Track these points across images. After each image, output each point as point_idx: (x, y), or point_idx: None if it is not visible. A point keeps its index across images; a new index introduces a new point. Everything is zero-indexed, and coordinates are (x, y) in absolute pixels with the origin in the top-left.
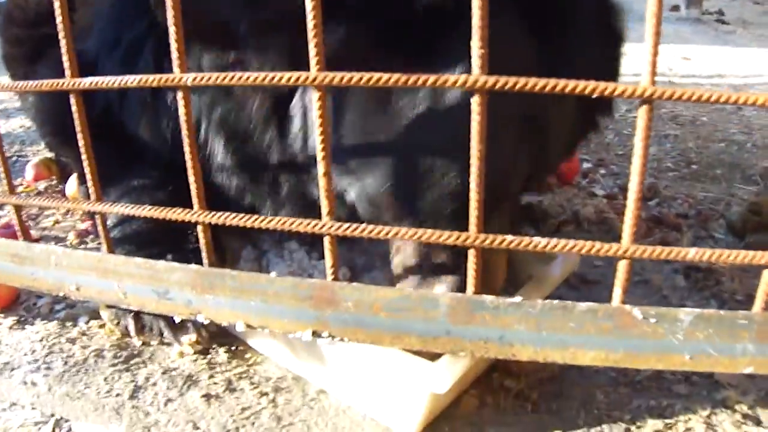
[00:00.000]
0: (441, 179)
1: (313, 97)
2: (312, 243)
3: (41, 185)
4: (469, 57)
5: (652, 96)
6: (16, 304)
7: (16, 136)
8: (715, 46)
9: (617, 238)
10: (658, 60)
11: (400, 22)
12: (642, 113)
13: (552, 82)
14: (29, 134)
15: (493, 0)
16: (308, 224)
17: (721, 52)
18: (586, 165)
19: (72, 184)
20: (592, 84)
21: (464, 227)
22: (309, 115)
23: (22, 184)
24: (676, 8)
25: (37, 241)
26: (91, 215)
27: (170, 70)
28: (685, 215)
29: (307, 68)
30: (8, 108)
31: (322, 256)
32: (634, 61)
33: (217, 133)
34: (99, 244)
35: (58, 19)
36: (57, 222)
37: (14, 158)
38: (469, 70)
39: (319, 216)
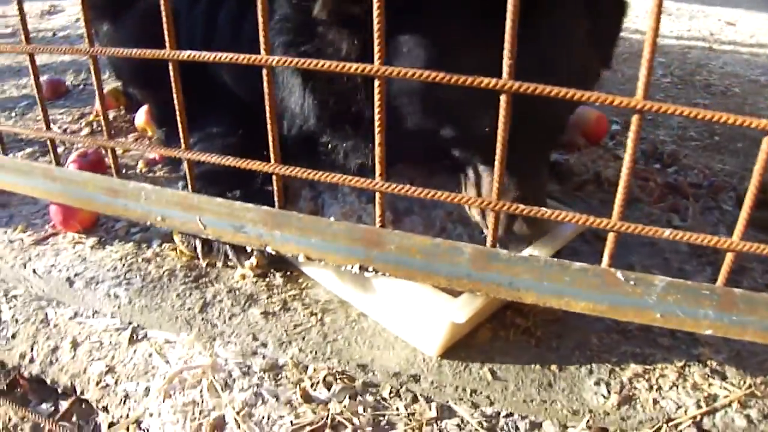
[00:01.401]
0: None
1: (375, 84)
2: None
3: (110, 114)
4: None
5: (643, 108)
6: (96, 225)
7: (82, 63)
8: (763, 13)
9: (632, 201)
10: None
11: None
12: (634, 120)
13: (564, 90)
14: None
15: None
16: (363, 182)
17: (767, 19)
18: (615, 127)
19: (141, 115)
20: (595, 94)
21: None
22: (398, 52)
23: (91, 113)
24: None
25: (108, 167)
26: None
27: (251, 20)
28: (699, 185)
29: None
30: (71, 35)
31: (370, 200)
32: (680, 21)
33: (295, 75)
34: (165, 172)
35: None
36: (127, 150)
37: (81, 86)
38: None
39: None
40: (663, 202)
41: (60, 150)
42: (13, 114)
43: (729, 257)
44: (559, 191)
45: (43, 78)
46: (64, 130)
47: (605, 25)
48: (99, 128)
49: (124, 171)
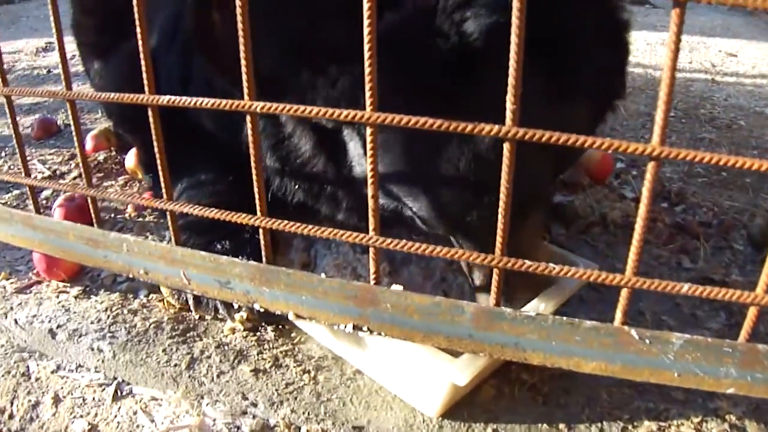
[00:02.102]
0: (486, 200)
1: (366, 133)
2: (361, 221)
3: (100, 156)
4: (486, 105)
5: (660, 155)
6: (81, 274)
7: (75, 104)
8: (764, 42)
9: None
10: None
11: (419, 76)
12: (650, 168)
13: (574, 137)
14: (88, 102)
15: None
16: (356, 236)
17: None
18: (619, 165)
19: (131, 157)
20: (608, 141)
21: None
22: (363, 141)
23: None
24: None
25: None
26: (151, 190)
27: None
28: (708, 224)
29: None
30: None
31: (364, 251)
32: (680, 53)
33: (271, 156)
34: (156, 216)
35: (139, 39)
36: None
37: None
38: (496, 112)
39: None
40: (672, 244)
41: (48, 192)
42: (3, 154)
43: (752, 312)
44: (564, 235)
45: (34, 117)
46: (54, 171)
47: (602, 72)
48: (90, 171)
49: (112, 216)
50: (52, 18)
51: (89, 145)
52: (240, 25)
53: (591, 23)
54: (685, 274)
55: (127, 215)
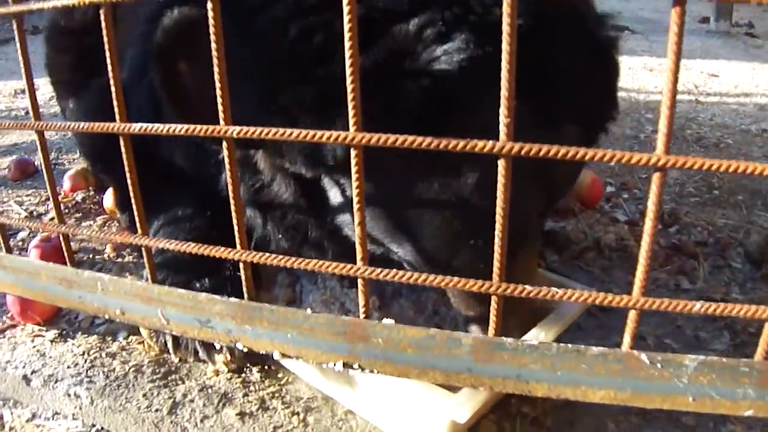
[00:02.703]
0: (472, 243)
1: (351, 154)
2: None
3: (78, 196)
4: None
5: (665, 165)
6: (58, 316)
7: (52, 143)
8: (744, 62)
9: (635, 266)
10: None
11: (390, 120)
12: (655, 179)
13: (573, 150)
14: (66, 142)
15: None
16: (343, 267)
17: (749, 68)
18: (609, 189)
19: (109, 197)
20: (609, 152)
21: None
22: (344, 188)
23: (60, 194)
24: (705, 20)
25: (75, 253)
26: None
27: None
28: (704, 243)
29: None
30: (44, 114)
31: (352, 285)
32: (662, 76)
33: (251, 205)
34: (135, 256)
35: (110, 69)
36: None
37: (51, 167)
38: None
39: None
40: (669, 265)
41: (24, 234)
42: None
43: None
44: (558, 261)
45: (11, 158)
46: (31, 212)
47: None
48: (66, 210)
49: (90, 257)
50: (18, 46)
51: (67, 185)
52: (215, 53)
53: (577, 44)
54: (685, 295)
55: (105, 256)
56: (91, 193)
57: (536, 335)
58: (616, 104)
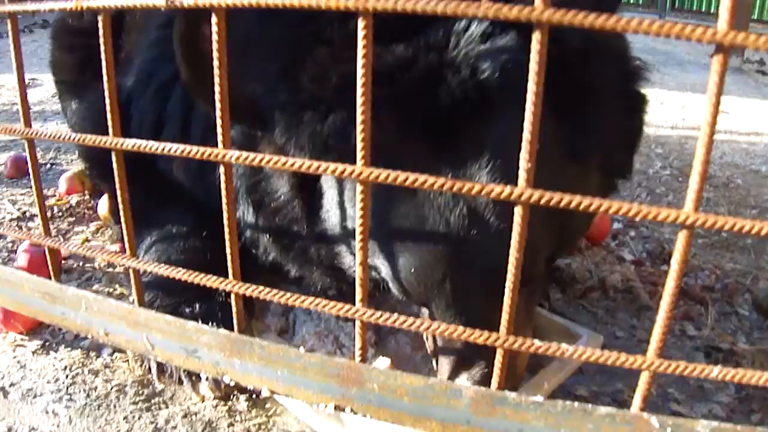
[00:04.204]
0: (466, 265)
1: (357, 190)
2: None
3: (73, 199)
4: (493, 148)
5: (694, 223)
6: (42, 326)
7: (51, 142)
8: (755, 99)
9: (641, 309)
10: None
11: (427, 112)
12: (681, 237)
13: (597, 202)
14: (64, 142)
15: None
16: (341, 308)
17: (760, 106)
18: (616, 225)
19: (104, 203)
20: (635, 207)
21: (488, 305)
22: (343, 191)
23: (54, 195)
24: None
25: (65, 260)
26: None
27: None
28: (711, 288)
29: (332, 153)
30: (46, 110)
31: (348, 318)
32: (673, 109)
33: (246, 198)
34: (126, 268)
35: (105, 80)
36: (87, 240)
37: (48, 165)
38: (493, 163)
39: (347, 282)
40: (675, 309)
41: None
42: None
43: None
44: (562, 300)
45: (8, 155)
46: (23, 213)
47: (619, 128)
48: (60, 213)
49: (80, 264)
50: (12, 47)
51: (63, 187)
52: (216, 62)
53: (611, 83)
54: (690, 342)
55: (96, 264)
56: (87, 197)
57: (537, 384)
58: (632, 161)
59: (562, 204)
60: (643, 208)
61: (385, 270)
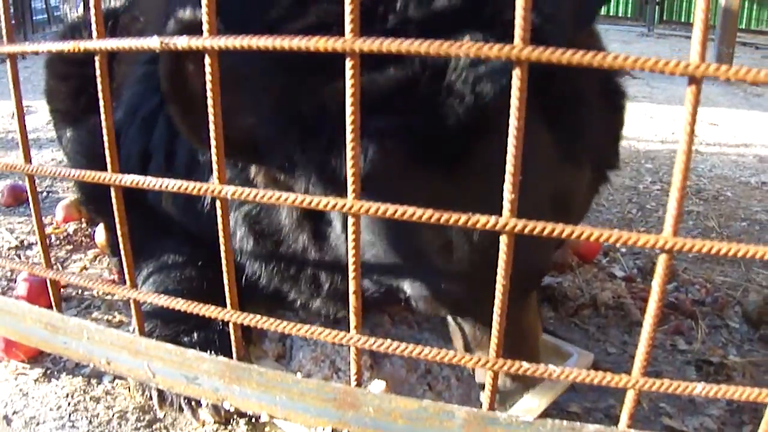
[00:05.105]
0: (489, 281)
1: (348, 222)
2: (342, 308)
3: (71, 227)
4: (497, 172)
5: (673, 247)
6: (43, 354)
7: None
8: (743, 110)
9: (632, 325)
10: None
11: (434, 137)
12: (662, 261)
13: (578, 229)
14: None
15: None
16: (336, 336)
17: (748, 117)
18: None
19: (101, 232)
20: (615, 233)
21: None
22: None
23: (51, 223)
24: None
25: (64, 287)
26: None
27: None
28: (702, 302)
29: (335, 185)
30: (41, 138)
31: None
32: (662, 123)
33: (245, 229)
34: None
35: (103, 119)
36: (85, 268)
37: (45, 193)
38: (498, 189)
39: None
40: (666, 324)
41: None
42: None
43: None
44: (554, 318)
45: (4, 183)
46: (21, 242)
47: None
48: (58, 241)
49: (79, 292)
50: (11, 86)
51: (60, 215)
52: (210, 101)
53: (597, 86)
54: (681, 356)
55: (95, 292)
56: (84, 225)
57: (529, 402)
58: (618, 154)
59: (545, 233)
60: (623, 234)
61: (411, 291)
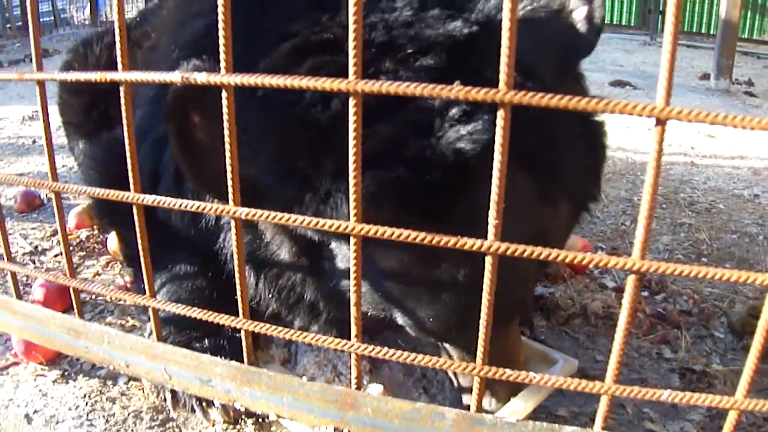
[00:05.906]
0: (475, 313)
1: (350, 244)
2: (339, 335)
3: (83, 233)
4: (479, 220)
5: (640, 269)
6: (61, 357)
7: (60, 176)
8: None
9: None
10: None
11: (421, 191)
12: (630, 281)
13: (554, 252)
14: (71, 175)
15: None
16: (338, 343)
17: (745, 129)
18: (599, 253)
19: (113, 240)
20: (588, 256)
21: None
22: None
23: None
24: (706, 77)
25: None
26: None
27: None
28: (689, 312)
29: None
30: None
31: None
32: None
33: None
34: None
35: (126, 143)
36: (98, 274)
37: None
38: (481, 235)
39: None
40: (652, 334)
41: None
42: None
43: (732, 416)
44: (546, 327)
45: (18, 189)
46: (35, 248)
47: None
48: (72, 249)
49: (93, 298)
50: (41, 113)
51: (72, 222)
52: (227, 132)
53: (574, 128)
54: (666, 365)
55: (108, 298)
56: (96, 231)
57: (516, 406)
58: (599, 188)
59: (525, 255)
60: (594, 257)
61: (402, 320)
